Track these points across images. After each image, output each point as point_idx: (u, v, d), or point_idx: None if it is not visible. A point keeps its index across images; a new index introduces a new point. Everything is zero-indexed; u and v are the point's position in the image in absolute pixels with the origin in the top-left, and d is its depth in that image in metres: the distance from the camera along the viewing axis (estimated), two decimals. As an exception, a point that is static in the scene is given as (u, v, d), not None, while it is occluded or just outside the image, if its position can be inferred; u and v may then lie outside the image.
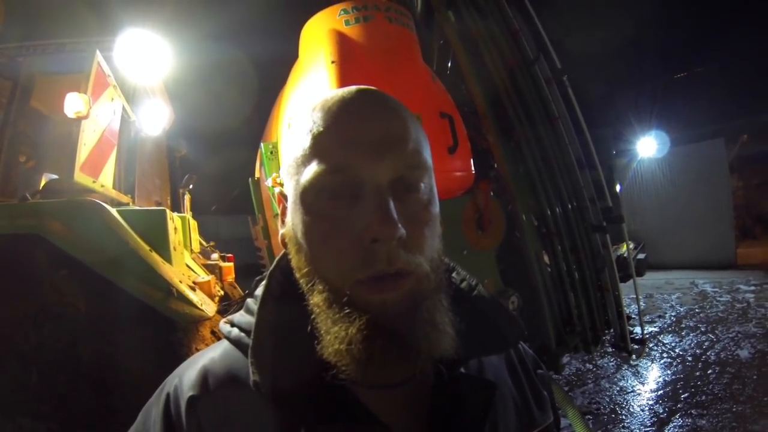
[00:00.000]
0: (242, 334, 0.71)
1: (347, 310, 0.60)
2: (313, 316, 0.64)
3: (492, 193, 3.31)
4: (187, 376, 0.69)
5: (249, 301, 0.75)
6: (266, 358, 0.64)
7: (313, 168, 0.63)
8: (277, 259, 0.77)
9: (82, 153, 2.58)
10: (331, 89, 2.50)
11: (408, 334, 0.60)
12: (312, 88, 2.73)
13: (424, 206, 0.65)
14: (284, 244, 0.73)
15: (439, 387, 0.69)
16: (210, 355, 0.73)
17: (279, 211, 0.77)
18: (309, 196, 0.64)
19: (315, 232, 0.64)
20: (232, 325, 0.74)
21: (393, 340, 0.59)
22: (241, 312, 0.75)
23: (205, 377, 0.68)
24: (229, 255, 4.85)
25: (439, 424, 0.68)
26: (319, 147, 0.64)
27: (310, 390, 0.62)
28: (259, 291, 0.73)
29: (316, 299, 0.63)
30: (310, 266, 0.65)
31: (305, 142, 0.65)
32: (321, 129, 0.64)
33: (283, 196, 0.74)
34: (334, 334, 0.60)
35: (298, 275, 0.68)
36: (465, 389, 0.70)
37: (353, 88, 0.69)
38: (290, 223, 0.69)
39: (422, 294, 0.62)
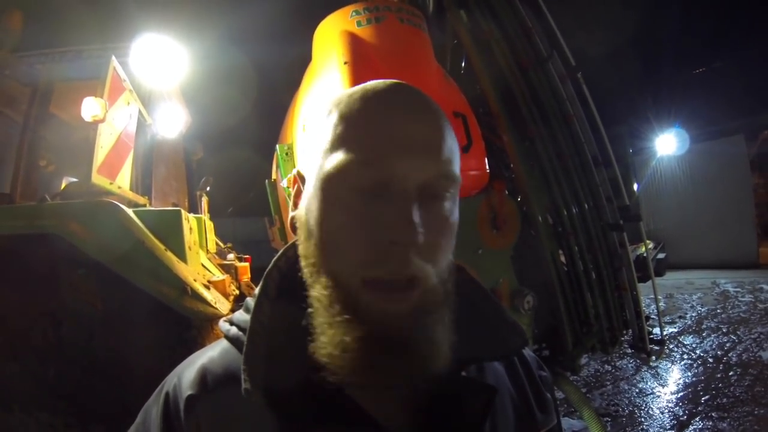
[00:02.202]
0: (240, 333, 0.70)
1: (348, 315, 0.59)
2: (310, 310, 0.63)
3: (507, 193, 3.29)
4: (186, 375, 0.70)
5: (248, 299, 0.74)
6: (259, 362, 0.63)
7: (340, 155, 0.61)
8: (275, 258, 0.75)
9: (99, 155, 2.63)
10: (345, 90, 2.53)
11: (406, 347, 0.59)
12: (325, 90, 2.74)
13: (446, 217, 0.63)
14: (293, 228, 0.72)
15: (438, 390, 0.67)
16: (209, 353, 0.73)
17: (293, 194, 0.74)
18: (331, 183, 0.62)
19: (331, 221, 0.62)
20: (231, 323, 0.74)
21: (389, 352, 0.58)
22: (241, 311, 0.75)
23: (203, 376, 0.69)
24: (247, 256, 4.89)
25: (437, 427, 0.67)
26: (352, 136, 0.61)
27: (306, 391, 0.61)
28: (257, 290, 0.72)
29: (319, 293, 0.62)
30: (318, 256, 0.63)
31: (337, 127, 0.63)
32: (356, 118, 0.62)
33: (300, 178, 0.73)
34: (330, 337, 0.60)
35: (303, 263, 0.66)
36: (464, 392, 0.69)
37: (396, 82, 0.67)
38: (305, 208, 0.67)
39: (428, 307, 0.61)
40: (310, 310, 0.63)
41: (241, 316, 0.73)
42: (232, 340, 0.72)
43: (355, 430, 0.63)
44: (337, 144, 0.62)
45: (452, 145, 0.64)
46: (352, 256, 0.59)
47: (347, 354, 0.58)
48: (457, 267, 0.75)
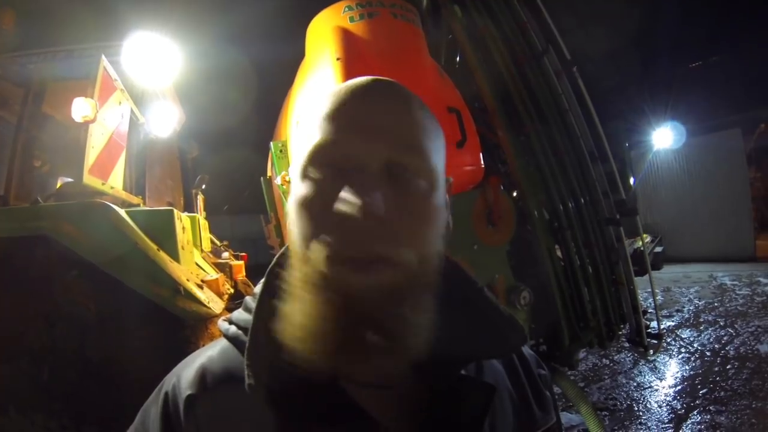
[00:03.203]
0: (239, 332, 0.71)
1: (318, 292, 0.59)
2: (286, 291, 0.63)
3: (502, 188, 3.28)
4: (185, 374, 0.70)
5: (247, 299, 0.74)
6: (262, 359, 0.63)
7: (309, 143, 0.63)
8: (276, 257, 0.75)
9: (90, 156, 2.62)
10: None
11: (379, 328, 0.58)
12: (318, 86, 2.72)
13: (420, 197, 0.63)
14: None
15: (437, 388, 0.68)
16: (208, 353, 0.73)
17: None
18: (303, 169, 0.63)
19: (302, 204, 0.63)
20: (231, 322, 0.74)
21: (361, 331, 0.58)
22: (240, 310, 0.75)
23: (203, 376, 0.69)
24: (243, 254, 4.88)
25: (436, 425, 0.67)
26: (321, 126, 0.63)
27: (307, 389, 0.61)
28: (257, 289, 0.72)
29: (296, 275, 0.63)
30: (295, 243, 0.64)
31: (312, 122, 0.65)
32: (326, 110, 0.64)
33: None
34: (299, 316, 0.60)
35: (293, 260, 0.66)
36: (463, 391, 0.69)
37: (368, 77, 0.68)
38: (289, 209, 0.68)
39: (401, 290, 0.59)
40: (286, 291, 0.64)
41: (241, 315, 0.73)
42: (232, 339, 0.72)
43: (355, 428, 0.63)
44: (309, 135, 0.64)
45: (425, 125, 0.65)
46: (318, 234, 0.60)
47: (317, 334, 0.58)
48: (453, 265, 0.76)
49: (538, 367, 0.86)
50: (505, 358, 0.82)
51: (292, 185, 0.67)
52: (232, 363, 0.68)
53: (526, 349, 0.87)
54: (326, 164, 0.62)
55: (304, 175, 0.63)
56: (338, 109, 0.63)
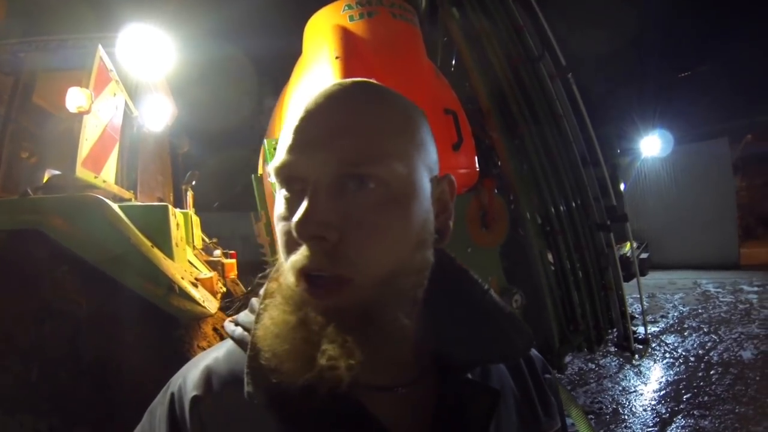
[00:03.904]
0: (245, 334, 0.69)
1: (295, 306, 0.61)
2: (263, 305, 0.65)
3: (496, 191, 3.29)
4: (191, 375, 0.69)
5: (253, 300, 0.73)
6: (263, 363, 0.62)
7: (273, 163, 0.63)
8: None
9: (84, 148, 2.57)
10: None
11: (344, 344, 0.57)
12: (316, 84, 2.71)
13: (374, 207, 0.59)
14: None
15: (442, 392, 0.68)
16: (214, 354, 0.72)
17: None
18: (275, 190, 0.65)
19: (276, 225, 0.64)
20: (236, 324, 0.73)
21: (331, 342, 0.58)
22: (246, 311, 0.74)
23: (208, 377, 0.68)
24: (232, 252, 4.85)
25: (441, 429, 0.66)
26: (283, 142, 0.63)
27: (309, 394, 0.59)
28: (263, 291, 0.71)
29: (270, 286, 0.66)
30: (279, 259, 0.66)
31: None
32: (290, 124, 0.63)
33: None
34: (272, 316, 0.62)
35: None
36: (469, 395, 0.69)
37: (340, 81, 0.66)
38: None
39: (370, 306, 0.59)
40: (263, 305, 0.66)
41: (246, 317, 0.73)
42: (238, 341, 0.71)
43: (359, 430, 0.63)
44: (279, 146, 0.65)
45: (392, 133, 0.62)
46: (284, 255, 0.62)
47: (287, 340, 0.59)
48: (458, 268, 0.77)
49: (544, 371, 0.86)
50: (512, 362, 0.82)
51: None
52: (237, 365, 0.67)
53: (533, 352, 0.86)
54: (283, 179, 0.62)
55: (275, 193, 0.65)
56: (297, 122, 0.62)
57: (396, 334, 0.61)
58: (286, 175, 0.61)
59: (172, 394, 0.68)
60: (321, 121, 0.61)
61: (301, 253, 0.58)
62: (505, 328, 0.74)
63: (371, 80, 0.68)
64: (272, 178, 0.64)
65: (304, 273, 0.58)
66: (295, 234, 0.57)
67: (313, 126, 0.61)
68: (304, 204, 0.57)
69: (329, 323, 0.58)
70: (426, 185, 0.66)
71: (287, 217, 0.61)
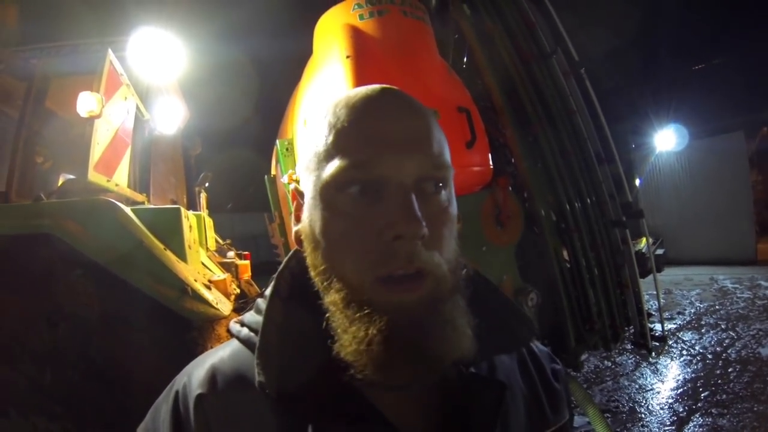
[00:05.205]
0: (251, 334, 0.71)
1: (366, 310, 0.60)
2: (327, 315, 0.64)
3: (511, 189, 3.26)
4: (196, 374, 0.70)
5: (259, 301, 0.75)
6: (273, 358, 0.64)
7: (335, 164, 0.63)
8: (285, 259, 0.77)
9: (96, 152, 2.58)
10: (348, 84, 2.50)
11: (427, 336, 0.60)
12: (327, 84, 2.70)
13: (445, 207, 0.66)
14: (299, 242, 0.73)
15: (449, 387, 0.69)
16: (219, 354, 0.73)
17: (293, 209, 0.76)
18: (330, 191, 0.64)
19: (334, 228, 0.64)
20: (242, 324, 0.74)
21: (412, 341, 0.59)
22: (251, 312, 0.75)
23: (213, 376, 0.69)
24: (246, 253, 4.86)
25: (448, 424, 0.68)
26: (343, 143, 0.64)
27: (317, 390, 0.63)
28: (268, 291, 0.73)
29: (333, 297, 0.64)
30: (327, 263, 0.65)
31: (328, 137, 0.65)
32: (345, 125, 0.64)
33: (298, 193, 0.74)
34: (352, 334, 0.60)
35: (313, 273, 0.68)
36: (475, 390, 0.70)
37: (377, 86, 0.69)
38: (307, 220, 0.69)
39: (441, 295, 0.62)
40: (327, 314, 0.64)
41: (252, 317, 0.74)
42: (244, 341, 0.72)
43: (366, 428, 0.64)
44: (330, 154, 0.64)
45: (440, 138, 0.67)
46: (360, 258, 0.61)
47: (372, 347, 0.59)
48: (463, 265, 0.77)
49: (551, 362, 0.87)
50: (517, 355, 0.83)
51: (311, 210, 0.68)
52: (243, 365, 0.69)
53: (538, 346, 0.88)
54: (360, 188, 0.62)
55: (333, 197, 0.64)
56: (363, 126, 0.64)
57: (456, 322, 0.63)
58: (365, 175, 0.62)
59: (177, 393, 0.69)
60: (398, 124, 0.64)
61: (393, 255, 0.59)
62: (507, 318, 0.79)
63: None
64: (334, 177, 0.63)
65: (393, 275, 0.60)
66: (398, 233, 0.59)
67: (391, 129, 0.63)
68: (404, 204, 0.60)
69: (401, 319, 0.59)
70: None
71: (363, 218, 0.62)
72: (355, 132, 0.63)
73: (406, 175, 0.61)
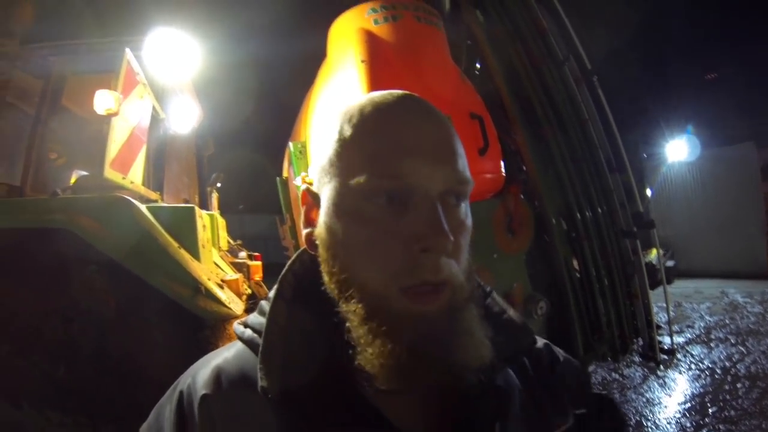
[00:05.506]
0: (254, 336, 0.71)
1: (390, 323, 0.60)
2: (336, 320, 0.64)
3: (522, 197, 3.26)
4: (200, 374, 0.70)
5: (262, 302, 0.75)
6: (275, 361, 0.64)
7: (360, 171, 0.62)
8: (289, 262, 0.76)
9: (112, 149, 2.60)
10: (362, 89, 2.51)
11: (449, 345, 0.60)
12: (342, 88, 2.72)
13: (464, 219, 0.66)
14: (312, 245, 0.72)
15: (449, 393, 0.67)
16: (224, 354, 0.73)
17: (303, 211, 0.74)
18: (354, 199, 0.63)
19: (358, 237, 0.63)
20: (246, 326, 0.74)
21: (436, 352, 0.59)
22: (255, 313, 0.75)
23: (218, 376, 0.69)
24: (257, 254, 4.87)
25: (449, 429, 0.68)
26: (369, 150, 0.63)
27: (321, 393, 0.62)
28: (271, 293, 0.73)
29: (353, 307, 0.62)
30: (347, 272, 0.64)
31: (351, 143, 0.64)
32: (370, 131, 0.64)
33: (311, 195, 0.73)
34: (378, 348, 0.59)
35: (328, 279, 0.67)
36: (475, 395, 0.69)
37: (399, 92, 0.68)
38: (324, 227, 0.67)
39: (458, 304, 0.62)
40: (334, 319, 0.64)
41: (256, 318, 0.73)
42: (247, 342, 0.72)
43: (370, 431, 0.63)
44: (353, 159, 0.63)
45: (462, 151, 0.67)
46: (385, 269, 0.61)
47: (400, 361, 0.58)
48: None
49: (553, 363, 0.84)
50: (516, 361, 0.81)
51: (330, 216, 0.66)
52: (247, 365, 0.69)
53: (541, 345, 0.85)
54: (387, 198, 0.61)
55: (358, 206, 0.63)
56: (391, 133, 0.63)
57: (473, 331, 0.63)
58: (393, 185, 0.61)
59: (181, 393, 0.69)
60: (426, 133, 0.63)
61: (411, 264, 0.59)
62: (505, 325, 0.77)
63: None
64: (360, 185, 0.62)
65: (413, 285, 0.59)
66: (427, 246, 0.59)
67: (420, 138, 0.63)
68: (433, 217, 0.59)
69: (423, 329, 0.59)
70: None
71: (389, 227, 0.61)
72: (381, 139, 0.62)
73: (434, 186, 0.61)
